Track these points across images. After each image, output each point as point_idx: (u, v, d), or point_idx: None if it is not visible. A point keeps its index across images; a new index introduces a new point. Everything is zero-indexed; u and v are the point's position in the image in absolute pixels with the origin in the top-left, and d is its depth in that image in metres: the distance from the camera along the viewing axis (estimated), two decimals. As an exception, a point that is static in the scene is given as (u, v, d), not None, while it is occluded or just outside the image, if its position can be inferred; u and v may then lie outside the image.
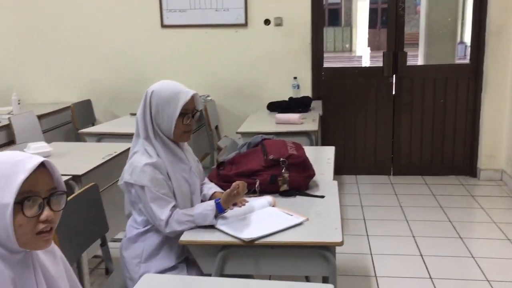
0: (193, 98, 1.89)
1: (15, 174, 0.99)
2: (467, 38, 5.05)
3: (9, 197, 0.97)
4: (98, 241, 2.14)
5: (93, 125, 4.76)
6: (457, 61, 6.59)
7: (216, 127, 4.75)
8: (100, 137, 3.70)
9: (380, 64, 4.78)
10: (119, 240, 2.18)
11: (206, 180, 2.18)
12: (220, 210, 1.82)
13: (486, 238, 3.49)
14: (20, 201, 0.99)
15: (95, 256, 2.77)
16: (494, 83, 4.45)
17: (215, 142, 4.51)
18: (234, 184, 1.81)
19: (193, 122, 1.93)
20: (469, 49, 4.76)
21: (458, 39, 7.26)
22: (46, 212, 1.03)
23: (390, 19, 4.66)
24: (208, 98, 4.69)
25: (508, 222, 3.65)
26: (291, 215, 1.86)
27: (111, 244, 2.25)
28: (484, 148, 4.60)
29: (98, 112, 5.03)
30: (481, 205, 4.03)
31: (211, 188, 2.08)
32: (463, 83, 4.63)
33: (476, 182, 4.62)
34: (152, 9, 4.76)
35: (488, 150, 4.59)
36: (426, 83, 4.69)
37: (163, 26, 4.79)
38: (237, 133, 3.62)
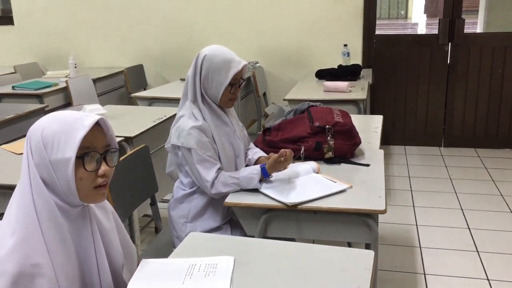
0: (242, 67, 1.92)
1: (75, 130, 1.05)
2: (533, 4, 4.77)
3: (71, 152, 1.03)
4: (148, 201, 2.24)
5: (145, 89, 4.89)
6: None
7: (264, 94, 4.76)
8: (152, 101, 3.80)
9: (436, 31, 4.60)
10: (167, 201, 2.27)
11: (252, 145, 2.21)
12: (265, 175, 1.86)
13: (539, 214, 3.37)
14: (81, 156, 1.05)
15: (146, 215, 2.90)
16: (559, 53, 4.20)
17: (262, 108, 4.53)
18: (281, 151, 1.84)
19: (238, 91, 1.96)
20: (533, 16, 4.48)
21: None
22: (104, 167, 1.10)
23: (448, -16, 4.45)
24: (257, 64, 4.70)
25: None
26: (335, 182, 1.88)
27: (160, 205, 2.35)
28: (544, 121, 4.39)
29: (150, 77, 5.14)
30: (537, 180, 3.88)
31: (256, 153, 2.12)
32: (524, 52, 4.40)
33: (533, 156, 4.44)
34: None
35: (547, 124, 4.38)
36: (484, 51, 4.48)
37: (212, -8, 4.79)
38: (285, 100, 3.62)
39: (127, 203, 2.02)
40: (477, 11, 7.11)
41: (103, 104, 3.47)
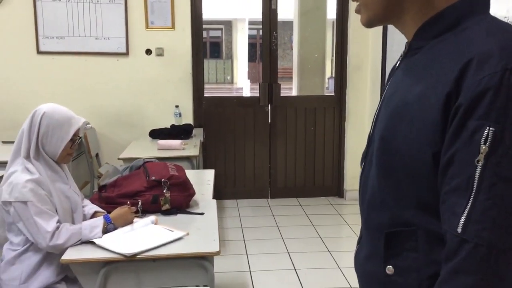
0: (82, 124, 2.02)
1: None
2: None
3: None
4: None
5: (-42, 154, 4.42)
6: (326, 93, 7.22)
7: (97, 155, 4.69)
8: (-32, 166, 3.47)
9: (258, 94, 5.12)
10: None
11: (86, 201, 2.22)
12: (107, 220, 1.92)
13: (350, 250, 3.86)
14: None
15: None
16: (355, 113, 5.01)
17: (95, 169, 4.45)
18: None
19: (76, 147, 2.03)
20: (337, 83, 5.28)
21: (329, 74, 7.96)
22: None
23: (264, 53, 5.04)
24: (88, 125, 4.60)
25: (369, 235, 4.09)
26: (172, 231, 1.98)
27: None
28: (349, 171, 5.11)
29: (-36, 141, 4.68)
30: (347, 222, 4.47)
31: (92, 208, 2.14)
32: (329, 112, 5.15)
33: (343, 202, 5.10)
34: (27, 35, 4.62)
35: (352, 173, 5.11)
36: (298, 112, 5.12)
37: (39, 52, 4.66)
38: (119, 159, 3.64)
39: None
40: (291, 78, 8.09)
41: None
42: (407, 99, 0.84)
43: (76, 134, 1.99)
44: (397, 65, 0.97)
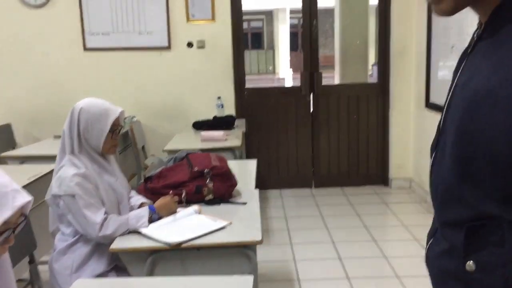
0: (120, 114, 2.06)
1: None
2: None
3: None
4: (23, 265, 2.16)
5: (13, 149, 4.64)
6: (369, 80, 7.10)
7: (143, 147, 4.81)
8: (23, 160, 3.65)
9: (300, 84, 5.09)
10: (45, 262, 2.22)
11: (133, 193, 2.28)
12: (152, 210, 1.99)
13: (396, 239, 3.82)
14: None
15: (21, 280, 2.74)
16: (400, 99, 4.90)
17: (142, 161, 4.57)
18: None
19: (118, 137, 2.08)
20: (380, 69, 5.18)
21: (373, 61, 7.81)
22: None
23: (305, 42, 5.00)
24: (134, 119, 4.75)
25: (416, 224, 4.02)
26: (215, 221, 2.02)
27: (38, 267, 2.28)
28: (394, 159, 5.02)
29: (19, 136, 4.90)
30: (393, 211, 4.40)
31: (139, 199, 2.20)
32: (373, 100, 5.05)
33: (388, 190, 5.01)
34: (74, 32, 4.78)
35: (397, 161, 5.01)
36: (341, 100, 5.06)
37: (86, 49, 4.81)
38: (164, 151, 3.72)
39: None
40: (333, 66, 8.00)
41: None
42: (490, 84, 0.78)
43: (115, 124, 2.04)
44: (470, 48, 0.92)
